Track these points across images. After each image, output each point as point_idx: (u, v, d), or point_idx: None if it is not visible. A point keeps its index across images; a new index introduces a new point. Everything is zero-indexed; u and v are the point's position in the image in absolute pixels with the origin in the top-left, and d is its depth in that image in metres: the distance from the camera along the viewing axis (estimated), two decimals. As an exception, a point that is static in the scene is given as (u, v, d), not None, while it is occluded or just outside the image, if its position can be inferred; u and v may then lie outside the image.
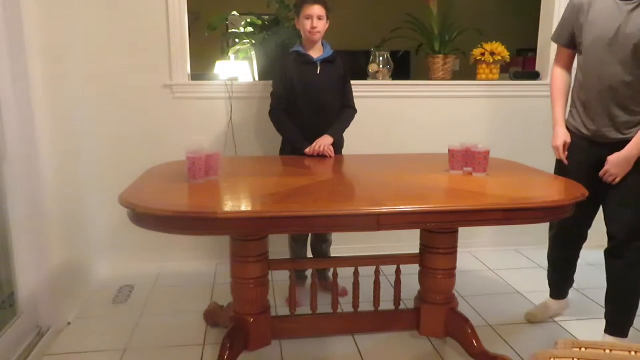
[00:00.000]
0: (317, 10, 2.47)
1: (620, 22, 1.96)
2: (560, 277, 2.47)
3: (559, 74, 2.24)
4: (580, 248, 2.37)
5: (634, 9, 1.94)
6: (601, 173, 2.07)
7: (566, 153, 2.18)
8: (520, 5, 5.81)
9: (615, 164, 2.04)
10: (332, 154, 2.52)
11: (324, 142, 2.51)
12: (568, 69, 2.24)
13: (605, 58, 2.01)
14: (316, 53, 2.58)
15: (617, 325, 2.22)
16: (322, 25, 2.50)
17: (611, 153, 2.06)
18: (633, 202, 2.06)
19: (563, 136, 2.18)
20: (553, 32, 2.28)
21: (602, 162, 2.09)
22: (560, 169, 2.24)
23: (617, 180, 2.05)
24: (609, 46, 1.99)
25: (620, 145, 2.04)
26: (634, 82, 1.98)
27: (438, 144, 2.68)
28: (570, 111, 2.24)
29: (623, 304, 2.20)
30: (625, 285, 2.17)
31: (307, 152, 2.52)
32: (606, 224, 2.17)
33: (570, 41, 2.16)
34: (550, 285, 2.53)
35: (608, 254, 2.20)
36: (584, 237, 2.33)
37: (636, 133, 2.01)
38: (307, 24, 2.48)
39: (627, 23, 1.94)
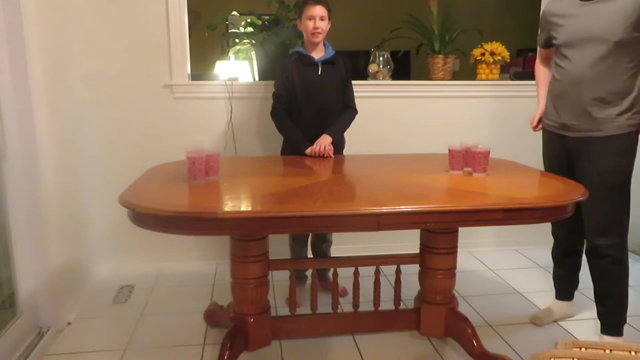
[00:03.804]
0: (319, 10, 2.47)
1: (584, 19, 2.08)
2: (565, 274, 2.49)
3: (540, 67, 2.47)
4: (582, 242, 2.37)
5: (595, 6, 2.06)
6: None
7: (539, 126, 2.39)
8: (520, 5, 5.81)
9: None
10: (332, 154, 2.52)
11: (324, 142, 2.51)
12: (547, 63, 2.43)
13: (577, 53, 2.11)
14: (317, 54, 2.58)
15: (611, 324, 2.24)
16: (324, 26, 2.50)
17: (576, 146, 2.17)
18: (600, 196, 2.08)
19: (539, 114, 2.39)
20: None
21: (569, 155, 2.22)
22: (544, 162, 2.39)
23: None
24: (577, 43, 2.10)
25: (586, 140, 2.13)
26: (600, 75, 2.06)
27: (438, 144, 2.68)
28: (546, 104, 2.35)
29: (613, 302, 2.21)
30: (612, 284, 2.20)
31: (307, 153, 2.52)
32: (585, 224, 2.21)
33: (547, 43, 2.33)
34: (555, 283, 2.54)
35: (589, 254, 2.23)
36: (581, 231, 2.34)
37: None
38: (310, 25, 2.48)
39: (590, 19, 2.07)
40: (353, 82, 2.71)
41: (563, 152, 2.25)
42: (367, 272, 2.31)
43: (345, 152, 2.74)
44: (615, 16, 2.00)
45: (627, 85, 2.05)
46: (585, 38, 2.07)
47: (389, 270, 2.53)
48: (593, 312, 2.33)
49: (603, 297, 2.23)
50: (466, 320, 2.19)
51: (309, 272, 2.68)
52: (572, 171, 2.21)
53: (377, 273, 2.31)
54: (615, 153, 2.10)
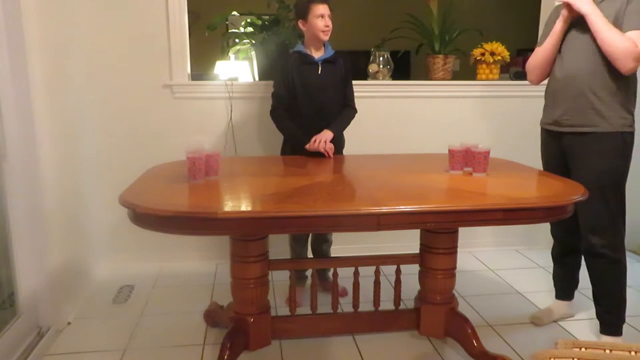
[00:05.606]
0: (326, 9, 2.49)
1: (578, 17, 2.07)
2: (565, 273, 2.49)
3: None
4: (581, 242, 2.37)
5: (599, 3, 2.05)
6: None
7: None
8: (520, 5, 5.82)
9: None
10: (331, 154, 2.51)
11: (324, 137, 2.50)
12: None
13: (571, 49, 2.12)
14: (317, 53, 2.58)
15: (609, 325, 2.24)
16: (331, 24, 2.51)
17: (571, 145, 2.17)
18: (593, 196, 2.06)
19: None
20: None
21: (565, 155, 2.21)
22: (542, 162, 2.38)
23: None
24: (575, 37, 2.11)
25: (579, 139, 2.13)
26: (593, 71, 2.06)
27: (438, 144, 2.68)
28: (543, 110, 2.34)
29: (611, 302, 2.22)
30: (610, 284, 2.20)
31: (307, 148, 2.51)
32: (579, 223, 2.22)
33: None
34: (555, 283, 2.54)
35: (586, 254, 2.23)
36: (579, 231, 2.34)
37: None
38: (320, 23, 2.48)
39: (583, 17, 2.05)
40: (353, 82, 2.71)
41: (558, 151, 2.25)
42: (367, 272, 2.31)
43: (345, 152, 2.74)
44: (606, 16, 2.01)
45: (620, 84, 2.05)
46: (577, 33, 2.09)
47: (389, 270, 2.53)
48: (593, 312, 2.33)
49: (601, 297, 2.24)
50: (466, 320, 2.19)
51: (309, 272, 2.68)
52: (569, 170, 2.22)
53: (377, 273, 2.31)
54: (609, 153, 2.10)
